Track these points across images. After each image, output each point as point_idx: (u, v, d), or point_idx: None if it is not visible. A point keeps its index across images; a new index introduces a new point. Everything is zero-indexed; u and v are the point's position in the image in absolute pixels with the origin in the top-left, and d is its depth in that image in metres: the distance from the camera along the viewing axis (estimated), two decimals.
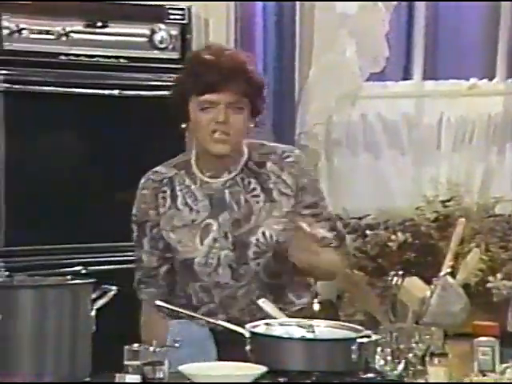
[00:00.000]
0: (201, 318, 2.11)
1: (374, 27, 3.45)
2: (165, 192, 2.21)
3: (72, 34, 2.89)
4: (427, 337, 1.93)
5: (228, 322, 2.08)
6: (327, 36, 3.36)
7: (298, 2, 3.41)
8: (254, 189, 2.19)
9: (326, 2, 3.38)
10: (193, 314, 2.12)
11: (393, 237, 3.33)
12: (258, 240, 2.15)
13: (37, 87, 2.83)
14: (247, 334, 1.97)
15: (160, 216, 2.20)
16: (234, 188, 2.19)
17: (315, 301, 2.29)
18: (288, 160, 2.20)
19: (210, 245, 2.16)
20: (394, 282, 2.05)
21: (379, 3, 3.44)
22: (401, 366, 1.91)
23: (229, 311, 2.17)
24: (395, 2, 3.48)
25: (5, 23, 2.80)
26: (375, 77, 3.54)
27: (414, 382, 1.89)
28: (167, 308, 2.05)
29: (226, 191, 2.18)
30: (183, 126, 2.20)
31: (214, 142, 2.14)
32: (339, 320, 2.16)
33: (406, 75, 3.64)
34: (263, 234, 2.16)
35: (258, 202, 2.18)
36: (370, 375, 1.94)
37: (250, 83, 2.14)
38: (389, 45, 3.49)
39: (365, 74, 3.48)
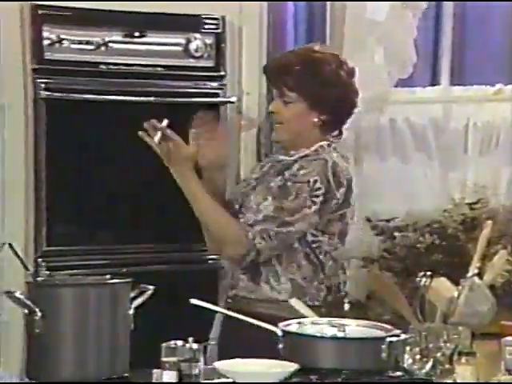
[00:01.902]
0: (231, 315, 2.13)
1: (402, 33, 3.44)
2: None
3: (111, 44, 2.91)
4: (455, 336, 1.93)
5: None
6: (356, 42, 3.36)
7: (328, 10, 3.42)
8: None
9: (356, 10, 3.38)
10: (224, 311, 2.14)
11: (421, 238, 3.33)
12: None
13: (76, 95, 2.86)
14: (279, 333, 1.99)
15: None
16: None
17: (345, 300, 2.30)
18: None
19: None
20: (422, 283, 2.05)
21: (407, 9, 3.43)
22: (429, 365, 1.91)
23: None
24: (423, 8, 3.47)
25: (46, 34, 2.83)
26: (403, 82, 3.54)
27: (441, 382, 1.89)
28: (201, 307, 2.07)
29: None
30: None
31: None
32: (369, 319, 2.16)
33: (434, 81, 3.64)
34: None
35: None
36: (399, 374, 1.94)
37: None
38: (416, 51, 3.48)
39: (393, 79, 3.48)
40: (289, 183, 2.29)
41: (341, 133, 2.43)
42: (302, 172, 2.30)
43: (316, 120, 2.35)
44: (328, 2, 3.41)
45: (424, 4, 3.47)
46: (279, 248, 2.28)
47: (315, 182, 2.28)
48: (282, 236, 2.26)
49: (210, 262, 3.08)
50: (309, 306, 2.15)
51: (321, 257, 2.32)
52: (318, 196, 2.27)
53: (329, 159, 2.31)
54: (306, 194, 2.26)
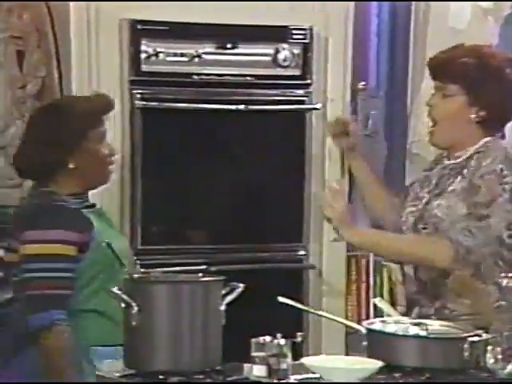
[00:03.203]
0: (321, 315, 2.13)
1: (484, 40, 3.37)
2: None
3: (204, 56, 2.94)
4: None
5: None
6: (439, 49, 3.32)
7: (412, 19, 3.38)
8: None
9: (439, 18, 3.33)
10: (312, 310, 2.14)
11: None
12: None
13: (171, 104, 2.91)
14: (364, 331, 1.98)
15: None
16: None
17: None
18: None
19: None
20: (504, 284, 2.01)
21: (489, 16, 3.36)
22: (511, 365, 1.87)
23: None
24: (505, 14, 3.39)
25: (143, 47, 2.87)
26: None
27: None
28: (288, 304, 2.07)
29: None
30: None
31: None
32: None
33: None
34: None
35: None
36: (481, 373, 1.91)
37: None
38: None
39: None
40: (474, 180, 2.16)
41: (503, 135, 2.32)
42: (484, 163, 2.17)
43: (474, 116, 2.22)
44: (412, 13, 3.37)
45: (506, 10, 3.39)
46: (485, 244, 2.13)
47: (502, 169, 2.15)
48: (484, 231, 2.12)
49: (296, 261, 3.09)
50: None
51: None
52: (508, 183, 2.14)
53: (507, 146, 2.21)
54: (495, 184, 2.13)
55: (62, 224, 2.23)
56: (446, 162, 2.28)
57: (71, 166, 2.31)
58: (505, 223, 2.15)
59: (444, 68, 2.26)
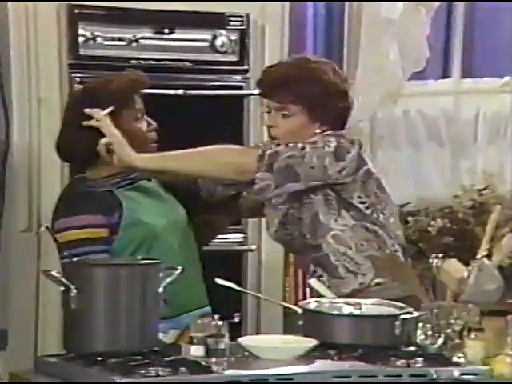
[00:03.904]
0: (256, 296, 2.12)
1: (416, 30, 3.41)
2: None
3: (142, 40, 2.91)
4: (465, 313, 1.92)
5: None
6: (373, 39, 3.34)
7: (346, 9, 3.40)
8: None
9: (372, 9, 3.35)
10: (249, 291, 2.14)
11: (432, 222, 3.31)
12: None
13: None
14: (299, 310, 1.98)
15: None
16: None
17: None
18: None
19: None
20: (434, 264, 2.04)
21: (421, 8, 3.40)
22: (440, 340, 1.91)
23: None
24: (436, 5, 3.44)
25: (81, 31, 2.84)
26: (416, 75, 3.51)
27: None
28: (226, 287, 2.06)
29: None
30: None
31: None
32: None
33: (445, 73, 3.61)
34: None
35: None
36: (412, 348, 1.93)
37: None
38: (429, 45, 3.45)
39: (407, 73, 3.45)
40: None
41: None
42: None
43: (318, 131, 2.18)
44: (346, 3, 3.39)
45: (437, 2, 3.44)
46: (291, 162, 2.08)
47: (328, 135, 2.14)
48: (295, 152, 2.09)
49: (235, 244, 3.08)
50: None
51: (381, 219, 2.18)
52: (330, 142, 2.12)
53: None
54: (320, 143, 2.12)
55: (87, 209, 2.17)
56: None
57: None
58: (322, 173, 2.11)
59: (278, 90, 2.17)
